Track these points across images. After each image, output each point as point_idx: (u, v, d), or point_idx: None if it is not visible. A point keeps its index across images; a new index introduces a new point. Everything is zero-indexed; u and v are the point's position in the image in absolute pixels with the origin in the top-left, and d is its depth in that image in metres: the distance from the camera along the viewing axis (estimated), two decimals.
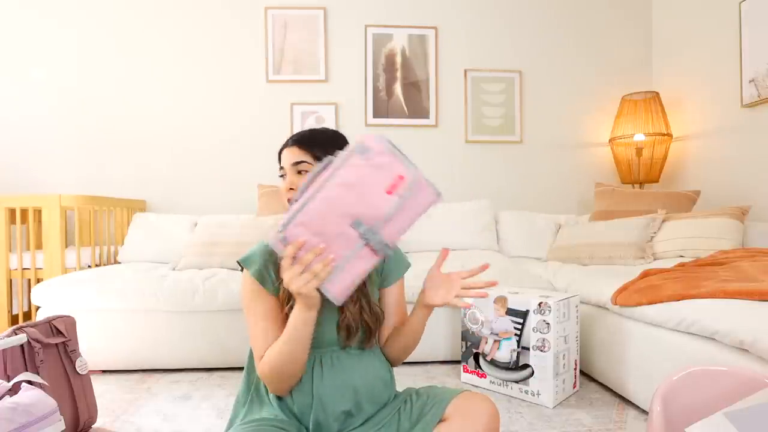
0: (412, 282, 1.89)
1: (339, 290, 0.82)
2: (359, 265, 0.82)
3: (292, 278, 0.80)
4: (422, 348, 2.13)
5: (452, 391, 0.97)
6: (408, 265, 1.12)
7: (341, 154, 0.80)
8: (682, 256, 2.20)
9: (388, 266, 1.08)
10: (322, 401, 0.94)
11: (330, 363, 0.97)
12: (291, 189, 0.98)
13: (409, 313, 1.07)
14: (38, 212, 2.53)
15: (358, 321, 0.98)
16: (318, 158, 0.99)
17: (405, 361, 2.12)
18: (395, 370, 1.90)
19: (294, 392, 0.96)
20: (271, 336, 0.94)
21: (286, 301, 0.95)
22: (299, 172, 0.99)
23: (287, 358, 0.89)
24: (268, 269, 0.97)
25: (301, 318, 0.86)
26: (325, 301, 0.98)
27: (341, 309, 0.99)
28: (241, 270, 0.99)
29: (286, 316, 0.93)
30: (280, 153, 1.03)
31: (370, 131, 3.22)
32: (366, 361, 1.00)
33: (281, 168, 1.02)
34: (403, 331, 1.05)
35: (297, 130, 3.16)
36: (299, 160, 0.99)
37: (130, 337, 2.02)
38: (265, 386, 1.01)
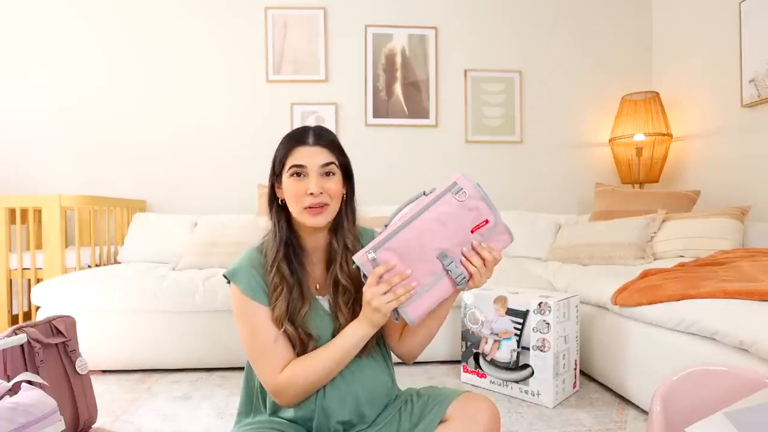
0: None
1: (417, 315, 0.88)
2: (437, 294, 0.89)
3: (374, 295, 0.84)
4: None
5: (453, 392, 0.96)
6: None
7: (436, 191, 0.88)
8: (682, 256, 2.20)
9: None
10: (325, 412, 0.93)
11: None
12: (311, 194, 0.91)
13: None
14: (38, 212, 2.52)
15: None
16: (340, 162, 0.96)
17: None
18: (396, 370, 1.90)
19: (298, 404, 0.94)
20: (281, 345, 0.91)
21: (280, 323, 0.92)
22: (327, 174, 0.94)
23: (324, 373, 0.89)
24: (257, 280, 0.94)
25: (361, 335, 0.89)
26: (320, 309, 0.98)
27: (336, 317, 0.97)
28: (227, 283, 0.96)
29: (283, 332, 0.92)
30: (289, 149, 0.94)
31: (370, 131, 3.22)
32: (366, 367, 0.97)
33: (298, 166, 0.92)
34: (424, 321, 0.98)
35: None
36: (329, 161, 0.94)
37: (131, 337, 2.02)
38: (262, 396, 1.00)
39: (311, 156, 0.92)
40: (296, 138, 0.95)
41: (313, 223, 0.93)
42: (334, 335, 0.94)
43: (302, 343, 0.93)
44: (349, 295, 0.98)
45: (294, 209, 0.93)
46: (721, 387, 0.95)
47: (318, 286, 1.01)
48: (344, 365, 0.91)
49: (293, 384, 0.89)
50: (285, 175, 0.94)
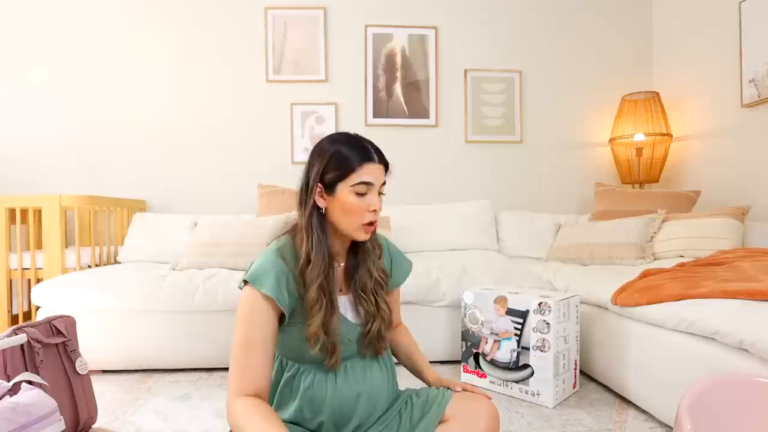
0: (409, 281, 1.93)
1: None
2: None
3: None
4: (422, 348, 2.13)
5: (451, 391, 0.97)
6: (409, 271, 1.13)
7: None
8: (682, 256, 2.20)
9: (396, 269, 1.09)
10: (334, 413, 0.93)
11: (344, 373, 0.95)
12: (373, 211, 0.92)
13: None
14: (38, 212, 2.52)
15: (377, 331, 0.98)
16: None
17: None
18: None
19: (307, 401, 0.94)
20: (261, 366, 0.87)
21: (316, 336, 0.89)
22: (381, 193, 0.95)
23: None
24: (283, 283, 0.90)
25: None
26: (341, 310, 0.98)
27: (358, 312, 0.98)
28: (243, 285, 0.92)
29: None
30: (357, 163, 0.90)
31: (370, 131, 3.21)
32: (375, 368, 0.99)
33: (367, 184, 0.91)
34: (402, 351, 1.18)
35: (297, 130, 3.17)
36: (385, 181, 0.95)
37: (130, 337, 2.02)
38: (277, 392, 1.00)
39: (377, 174, 0.93)
40: (363, 153, 0.92)
41: (364, 238, 0.94)
42: (361, 337, 0.97)
43: (331, 350, 0.91)
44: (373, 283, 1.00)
45: (350, 224, 0.92)
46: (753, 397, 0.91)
47: (342, 289, 1.01)
48: None
49: (234, 418, 0.83)
50: (346, 189, 0.91)
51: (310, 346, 0.90)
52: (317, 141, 0.98)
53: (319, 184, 0.93)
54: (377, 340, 0.97)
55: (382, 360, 1.01)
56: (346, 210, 0.91)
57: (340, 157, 0.91)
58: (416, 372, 1.16)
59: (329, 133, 1.00)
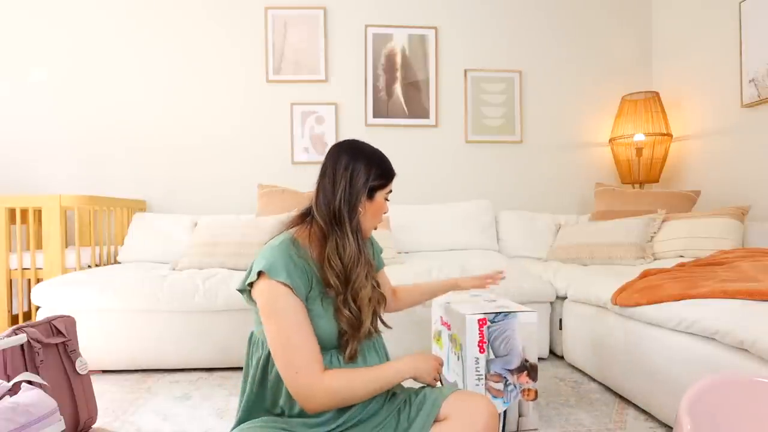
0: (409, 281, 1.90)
1: None
2: None
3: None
4: (420, 349, 2.13)
5: (447, 389, 0.98)
6: (381, 250, 1.30)
7: None
8: (682, 256, 2.20)
9: (377, 256, 1.24)
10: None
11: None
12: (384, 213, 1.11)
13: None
14: (38, 212, 2.52)
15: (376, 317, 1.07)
16: None
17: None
18: None
19: None
20: (312, 344, 0.91)
21: (324, 304, 0.96)
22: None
23: (364, 394, 0.93)
24: (293, 273, 0.92)
25: (402, 377, 0.98)
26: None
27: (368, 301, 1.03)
28: (252, 280, 0.93)
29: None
30: (391, 177, 1.06)
31: (370, 131, 3.21)
32: (371, 350, 1.03)
33: (390, 192, 1.08)
34: (417, 297, 1.36)
35: (297, 130, 3.17)
36: None
37: (131, 337, 2.02)
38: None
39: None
40: (391, 166, 1.08)
41: (370, 234, 1.12)
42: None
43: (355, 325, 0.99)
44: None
45: (373, 223, 1.08)
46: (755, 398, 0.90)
47: None
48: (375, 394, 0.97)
49: (334, 391, 0.90)
50: (382, 195, 1.06)
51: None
52: (339, 147, 1.04)
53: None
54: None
55: (375, 342, 1.06)
56: (376, 213, 1.06)
57: (385, 167, 1.05)
58: (435, 291, 1.39)
59: (348, 140, 1.06)
